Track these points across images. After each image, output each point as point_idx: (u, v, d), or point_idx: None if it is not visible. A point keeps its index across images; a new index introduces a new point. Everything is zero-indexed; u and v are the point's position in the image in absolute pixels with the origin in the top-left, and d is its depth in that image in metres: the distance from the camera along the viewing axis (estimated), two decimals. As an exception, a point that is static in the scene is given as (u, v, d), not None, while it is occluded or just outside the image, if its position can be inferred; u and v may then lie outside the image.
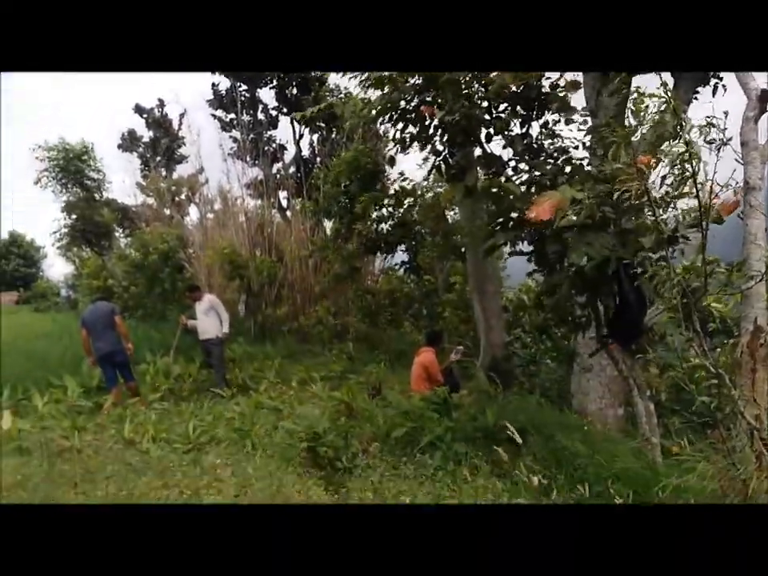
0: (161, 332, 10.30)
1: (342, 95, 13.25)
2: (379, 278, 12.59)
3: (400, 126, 5.07)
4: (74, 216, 15.86)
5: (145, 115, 21.22)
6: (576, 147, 4.38)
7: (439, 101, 4.64)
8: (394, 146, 5.47)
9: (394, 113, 4.97)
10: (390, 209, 9.84)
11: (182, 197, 16.19)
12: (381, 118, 5.17)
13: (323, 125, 14.11)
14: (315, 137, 15.62)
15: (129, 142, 21.33)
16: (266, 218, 13.04)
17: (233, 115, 15.63)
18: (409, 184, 9.68)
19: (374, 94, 5.26)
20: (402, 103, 4.86)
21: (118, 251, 15.56)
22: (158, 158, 20.21)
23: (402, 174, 9.65)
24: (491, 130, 4.67)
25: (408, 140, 5.15)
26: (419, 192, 9.70)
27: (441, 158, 5.18)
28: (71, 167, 13.59)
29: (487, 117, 4.66)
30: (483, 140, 4.77)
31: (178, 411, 6.28)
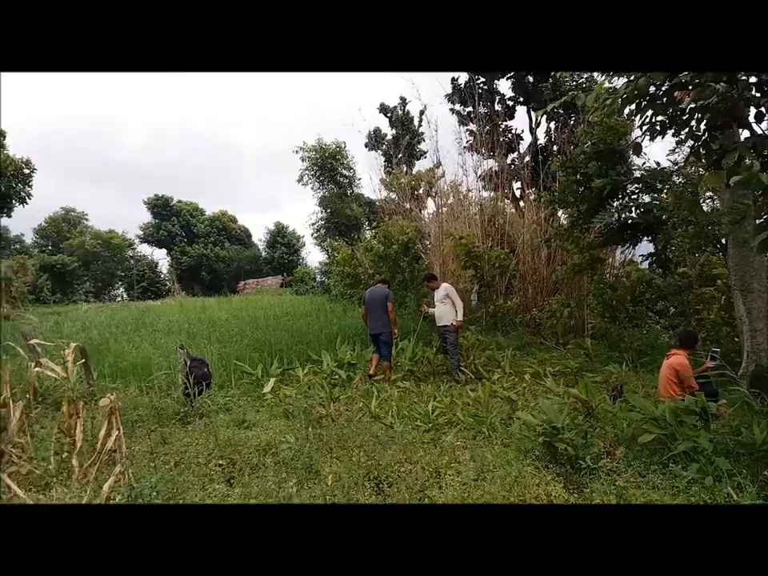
0: (401, 317, 11.20)
1: (583, 80, 12.61)
2: (619, 270, 11.77)
3: (649, 113, 4.71)
4: (328, 210, 17.88)
5: (389, 114, 22.79)
6: None
7: (696, 81, 4.18)
8: (643, 133, 5.09)
9: (642, 100, 4.64)
10: (635, 196, 9.07)
11: (421, 191, 17.17)
12: (627, 107, 4.85)
13: (561, 111, 13.61)
14: (552, 124, 15.14)
15: (374, 140, 23.20)
16: (498, 208, 13.16)
17: (470, 108, 15.94)
18: (657, 169, 8.79)
19: (618, 81, 4.95)
20: (652, 89, 4.51)
21: (365, 242, 17.14)
22: (399, 155, 21.64)
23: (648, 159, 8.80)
24: (762, 109, 4.07)
25: (659, 127, 4.75)
26: (669, 177, 8.74)
27: (700, 142, 4.68)
28: (327, 165, 15.26)
29: (756, 94, 4.07)
30: (753, 120, 4.19)
31: (418, 392, 6.83)
